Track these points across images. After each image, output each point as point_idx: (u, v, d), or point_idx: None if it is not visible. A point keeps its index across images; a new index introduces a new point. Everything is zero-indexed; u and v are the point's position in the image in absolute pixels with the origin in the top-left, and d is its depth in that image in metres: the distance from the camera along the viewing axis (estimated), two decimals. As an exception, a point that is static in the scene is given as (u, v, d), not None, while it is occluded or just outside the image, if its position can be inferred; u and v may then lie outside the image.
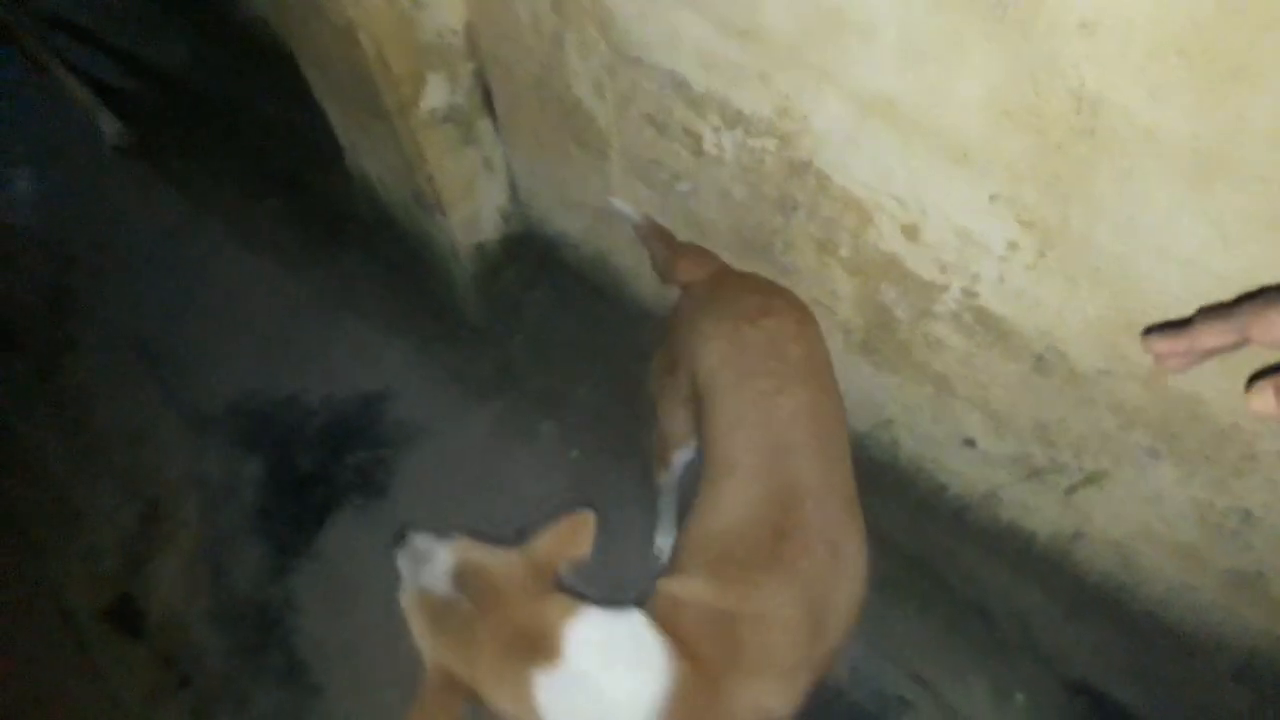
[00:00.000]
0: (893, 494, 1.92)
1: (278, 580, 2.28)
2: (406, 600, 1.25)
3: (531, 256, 2.55)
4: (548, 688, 1.13)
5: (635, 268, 2.21)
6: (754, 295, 1.52)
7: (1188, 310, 1.11)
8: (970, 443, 1.64)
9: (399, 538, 1.31)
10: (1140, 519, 1.50)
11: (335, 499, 2.38)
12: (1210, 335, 0.71)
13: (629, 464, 2.27)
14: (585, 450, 2.36)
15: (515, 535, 1.28)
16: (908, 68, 1.16)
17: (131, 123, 3.17)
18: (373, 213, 2.61)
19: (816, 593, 1.25)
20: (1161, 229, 1.07)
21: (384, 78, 1.92)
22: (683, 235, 1.88)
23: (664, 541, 2.13)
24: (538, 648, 1.15)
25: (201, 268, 2.86)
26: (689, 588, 1.25)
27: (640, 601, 1.26)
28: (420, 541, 1.28)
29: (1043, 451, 1.51)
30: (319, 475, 2.44)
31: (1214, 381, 1.21)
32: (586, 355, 2.52)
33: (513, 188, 2.38)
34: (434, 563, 1.24)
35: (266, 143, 3.05)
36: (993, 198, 1.20)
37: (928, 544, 1.97)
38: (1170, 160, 1.00)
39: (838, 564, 1.28)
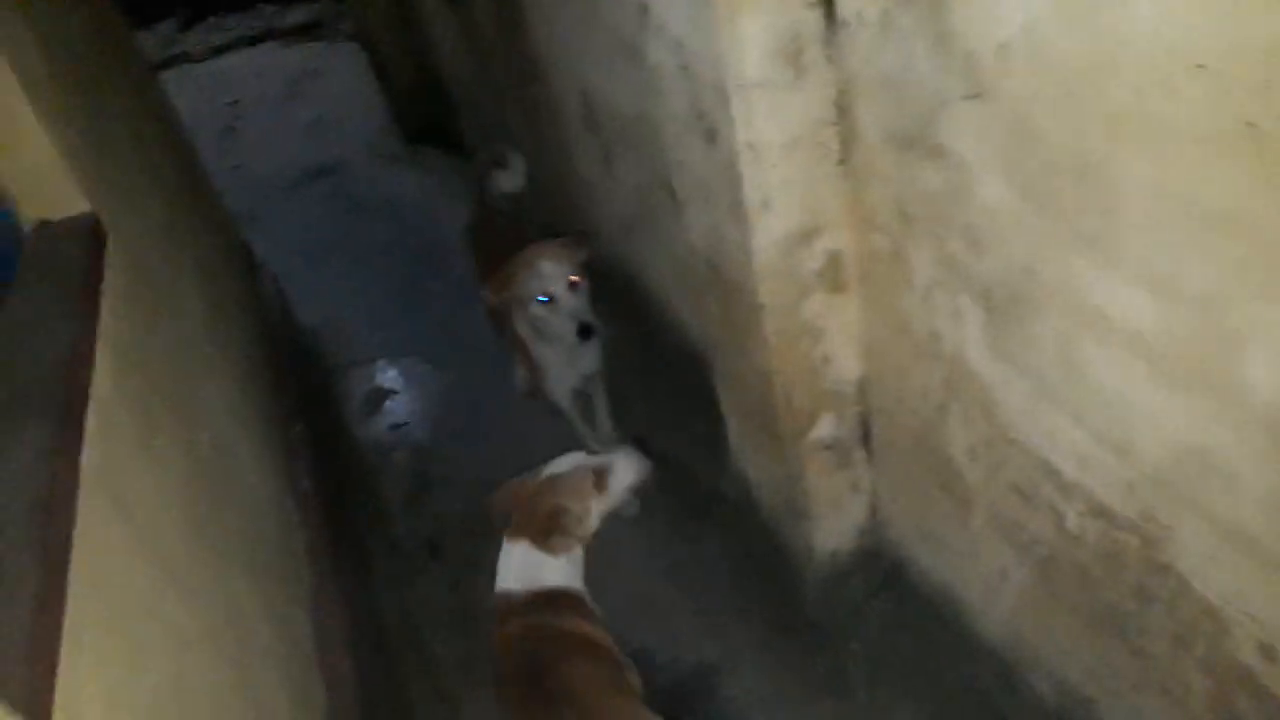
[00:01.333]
0: None
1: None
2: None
3: (880, 571, 2.77)
4: (504, 546, 2.33)
5: (983, 606, 2.35)
6: None
7: None
8: None
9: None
10: None
11: (669, 763, 2.63)
12: None
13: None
14: (904, 775, 2.44)
15: None
16: (1268, 514, 1.32)
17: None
18: (743, 504, 3.00)
19: None
20: None
21: (785, 411, 2.34)
22: (1036, 592, 2.04)
23: None
24: (519, 530, 2.31)
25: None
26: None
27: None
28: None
29: None
30: (656, 728, 2.71)
31: None
32: (918, 677, 2.63)
33: (873, 509, 2.67)
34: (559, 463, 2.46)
35: (666, 428, 3.62)
36: (1356, 644, 1.28)
37: None
38: None
39: None
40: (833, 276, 2.14)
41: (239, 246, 4.46)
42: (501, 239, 3.49)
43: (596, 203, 3.87)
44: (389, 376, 4.37)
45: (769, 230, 2.00)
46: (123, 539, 1.49)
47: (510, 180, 3.60)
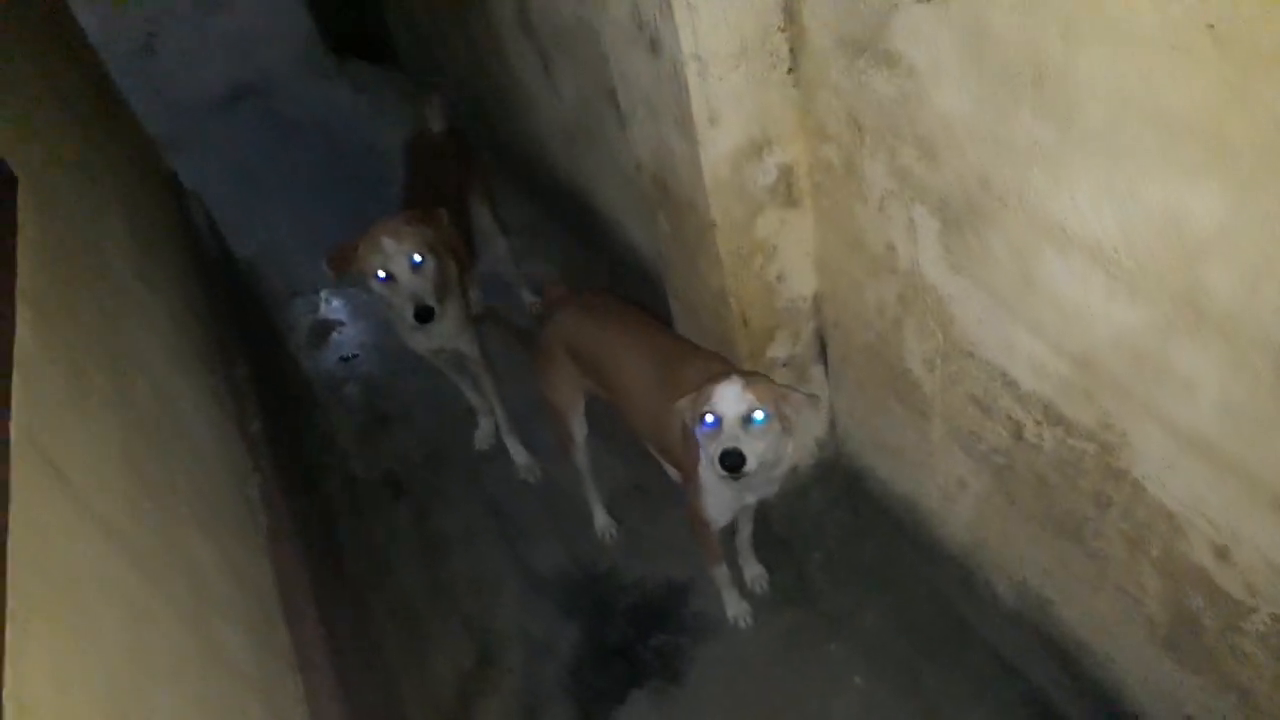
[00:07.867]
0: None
1: (581, 745, 2.58)
2: None
3: (839, 482, 2.80)
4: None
5: (941, 513, 2.38)
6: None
7: None
8: (1277, 760, 1.63)
9: None
10: None
11: (637, 677, 2.67)
12: None
13: (909, 703, 2.40)
14: (868, 678, 2.50)
15: None
16: (1227, 420, 1.32)
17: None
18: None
19: None
20: None
21: (742, 332, 2.30)
22: (995, 500, 2.06)
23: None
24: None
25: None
26: None
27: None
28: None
29: (1357, 792, 1.49)
30: (625, 650, 2.75)
31: None
32: (880, 584, 2.69)
33: (832, 423, 2.67)
34: None
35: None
36: (1309, 545, 1.31)
37: None
38: None
39: None
40: (785, 191, 2.08)
41: (164, 176, 4.25)
42: (438, 161, 3.37)
43: (538, 113, 3.73)
44: (333, 307, 4.24)
45: (717, 145, 1.92)
46: (62, 510, 1.42)
47: (434, 121, 3.45)
